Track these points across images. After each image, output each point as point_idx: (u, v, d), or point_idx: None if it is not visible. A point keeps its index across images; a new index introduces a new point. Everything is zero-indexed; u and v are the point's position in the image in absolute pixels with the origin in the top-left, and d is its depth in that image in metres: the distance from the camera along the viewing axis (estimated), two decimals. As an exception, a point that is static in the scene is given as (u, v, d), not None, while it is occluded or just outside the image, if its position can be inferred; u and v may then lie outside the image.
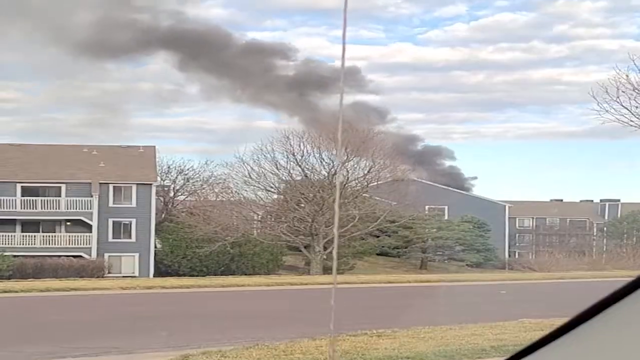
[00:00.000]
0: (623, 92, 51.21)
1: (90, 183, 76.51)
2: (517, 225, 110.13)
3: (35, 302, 41.34)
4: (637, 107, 51.57)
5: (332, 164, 75.90)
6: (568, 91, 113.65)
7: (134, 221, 77.00)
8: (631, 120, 51.73)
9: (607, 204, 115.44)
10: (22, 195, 75.89)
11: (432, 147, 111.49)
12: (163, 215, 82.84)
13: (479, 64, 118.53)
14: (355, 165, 77.53)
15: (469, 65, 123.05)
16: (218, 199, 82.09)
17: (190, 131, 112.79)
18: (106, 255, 74.80)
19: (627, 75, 51.23)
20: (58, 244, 74.77)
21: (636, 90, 51.31)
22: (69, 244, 74.89)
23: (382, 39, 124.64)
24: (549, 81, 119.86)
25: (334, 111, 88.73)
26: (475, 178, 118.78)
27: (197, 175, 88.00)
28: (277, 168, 77.72)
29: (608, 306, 2.74)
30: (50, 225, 76.51)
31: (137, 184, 77.75)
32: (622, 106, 51.49)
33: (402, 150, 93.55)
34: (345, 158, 75.45)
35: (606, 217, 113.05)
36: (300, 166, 77.12)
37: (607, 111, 51.78)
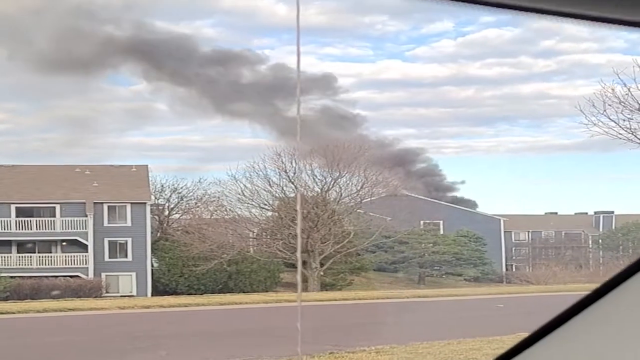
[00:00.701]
0: (610, 105, 51.48)
1: (84, 203, 76.47)
2: (512, 238, 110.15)
3: (32, 323, 41.25)
4: (624, 120, 51.80)
5: (324, 181, 75.99)
6: (558, 105, 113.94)
7: (129, 240, 76.96)
8: (619, 133, 51.97)
9: (601, 216, 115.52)
10: (17, 216, 75.82)
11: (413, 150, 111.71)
12: (158, 234, 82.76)
13: (468, 79, 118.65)
14: (348, 182, 77.63)
15: (458, 80, 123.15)
16: (213, 217, 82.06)
17: (167, 149, 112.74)
18: (103, 274, 74.69)
19: (612, 89, 51.49)
20: (54, 265, 74.63)
21: (622, 104, 51.56)
22: (66, 264, 74.75)
23: (370, 57, 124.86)
24: (539, 95, 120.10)
25: (305, 119, 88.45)
26: (463, 182, 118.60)
27: (191, 193, 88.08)
28: (269, 185, 77.88)
29: (588, 305, 2.81)
30: (46, 246, 76.42)
31: (131, 203, 77.75)
32: (610, 119, 51.75)
33: (394, 162, 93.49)
34: (337, 174, 75.66)
35: (601, 229, 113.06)
36: (292, 183, 77.20)
37: (595, 124, 52.06)
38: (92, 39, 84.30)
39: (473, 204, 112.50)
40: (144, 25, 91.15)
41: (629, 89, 51.15)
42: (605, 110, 51.50)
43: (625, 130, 51.88)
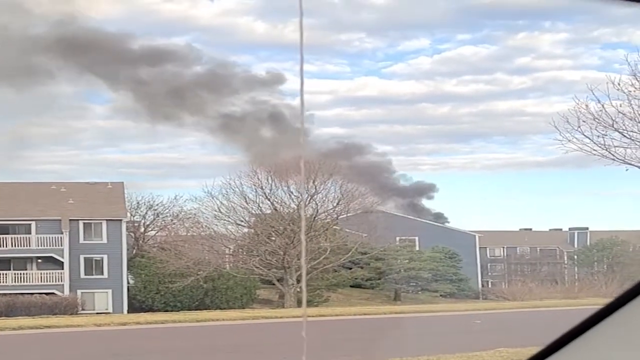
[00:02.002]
0: (584, 121, 51.79)
1: (60, 220, 76.18)
2: (488, 254, 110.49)
3: (7, 341, 41.01)
4: (598, 136, 52.08)
5: (301, 197, 76.01)
6: (533, 122, 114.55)
7: (105, 257, 76.70)
8: (593, 149, 52.26)
9: (575, 232, 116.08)
10: (-8, 233, 75.47)
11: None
12: (134, 251, 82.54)
13: (444, 96, 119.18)
14: (324, 198, 77.72)
15: (435, 97, 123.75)
16: (189, 234, 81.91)
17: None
18: (79, 292, 74.35)
19: (586, 105, 51.82)
20: (30, 282, 74.26)
21: (596, 120, 51.87)
22: (41, 281, 74.38)
23: (347, 73, 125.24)
24: (514, 112, 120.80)
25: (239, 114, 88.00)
26: (437, 189, 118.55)
27: (167, 210, 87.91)
28: (246, 202, 77.86)
29: (597, 322, 2.84)
30: (22, 263, 76.03)
31: (107, 220, 77.54)
32: (584, 135, 52.03)
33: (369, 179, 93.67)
34: (313, 190, 75.73)
35: (575, 245, 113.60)
36: (269, 200, 77.23)
37: (569, 141, 52.33)
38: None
39: (441, 216, 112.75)
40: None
41: (602, 106, 51.48)
42: (579, 127, 51.78)
43: (600, 147, 52.15)
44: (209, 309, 68.81)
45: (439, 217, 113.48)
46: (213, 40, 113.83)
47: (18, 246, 75.45)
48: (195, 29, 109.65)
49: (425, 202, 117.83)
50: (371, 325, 46.44)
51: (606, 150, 52.22)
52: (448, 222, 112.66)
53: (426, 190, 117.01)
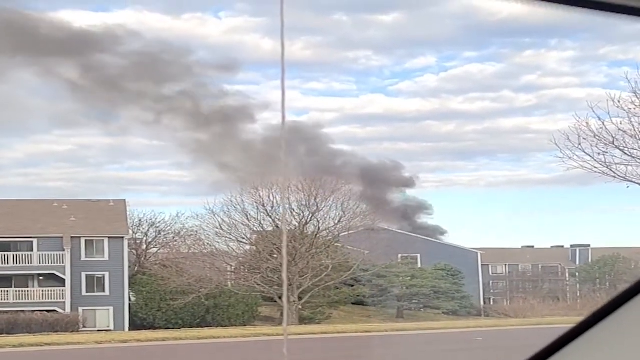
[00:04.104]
0: (584, 139, 51.83)
1: (61, 237, 76.18)
2: (490, 272, 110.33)
3: (8, 359, 40.98)
4: (599, 153, 52.13)
5: (302, 214, 76.06)
6: (537, 139, 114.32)
7: (107, 274, 76.66)
8: (594, 167, 52.30)
9: (577, 249, 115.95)
10: (-6, 251, 75.46)
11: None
12: (136, 268, 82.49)
13: (450, 114, 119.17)
14: (326, 215, 77.72)
15: (440, 115, 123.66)
16: (190, 251, 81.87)
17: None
18: (80, 309, 74.27)
19: (587, 123, 51.85)
20: (31, 299, 74.19)
21: (597, 137, 51.92)
22: (43, 298, 74.33)
23: (353, 91, 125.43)
24: (519, 130, 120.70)
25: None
26: (430, 211, 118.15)
27: (169, 227, 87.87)
28: (247, 219, 77.83)
29: (577, 336, 2.84)
30: (23, 280, 75.99)
31: (108, 237, 77.54)
32: (585, 153, 52.07)
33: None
34: (315, 208, 75.78)
35: (577, 263, 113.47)
36: (270, 217, 77.22)
37: (570, 158, 52.36)
38: None
39: (439, 231, 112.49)
40: None
41: (603, 123, 51.53)
42: (580, 144, 51.86)
43: (601, 164, 52.21)
44: (211, 327, 68.72)
45: (436, 230, 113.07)
46: (220, 58, 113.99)
47: (20, 263, 75.44)
48: (202, 46, 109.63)
49: (426, 219, 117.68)
50: (373, 342, 46.38)
51: (607, 167, 52.31)
52: (444, 233, 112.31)
53: (420, 209, 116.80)
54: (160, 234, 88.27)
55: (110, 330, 68.60)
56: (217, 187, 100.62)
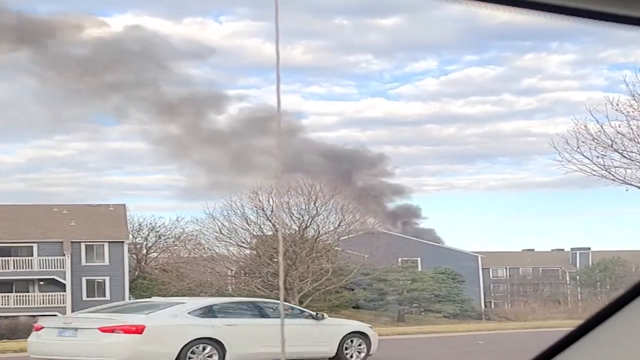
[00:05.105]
0: (583, 142, 51.83)
1: (61, 242, 76.25)
2: (490, 275, 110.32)
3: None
4: (597, 156, 52.12)
5: (302, 219, 76.02)
6: (538, 142, 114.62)
7: (107, 279, 76.73)
8: (593, 170, 52.30)
9: (577, 252, 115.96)
10: (-6, 256, 75.53)
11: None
12: (136, 273, 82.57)
13: (450, 117, 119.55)
14: (325, 219, 77.66)
15: (441, 118, 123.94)
16: (190, 256, 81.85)
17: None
18: (80, 314, 74.23)
19: (585, 126, 51.85)
20: (32, 304, 74.24)
21: (596, 141, 51.91)
22: (43, 303, 74.36)
23: (354, 95, 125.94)
24: (519, 133, 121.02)
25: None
26: (421, 213, 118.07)
27: (169, 232, 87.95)
28: (247, 223, 77.75)
29: (577, 339, 2.86)
30: (24, 285, 76.07)
31: (109, 242, 77.64)
32: (584, 156, 52.07)
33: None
34: (315, 212, 75.75)
35: (578, 266, 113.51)
36: (270, 221, 77.14)
37: (569, 161, 52.36)
38: None
39: (436, 237, 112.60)
40: None
41: (601, 126, 51.53)
42: (578, 147, 51.87)
43: (600, 167, 52.21)
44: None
45: (429, 232, 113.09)
46: (223, 65, 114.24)
47: (20, 268, 75.51)
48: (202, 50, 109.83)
49: (423, 223, 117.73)
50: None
51: (606, 170, 52.28)
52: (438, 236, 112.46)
53: (410, 214, 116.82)
54: (160, 238, 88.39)
55: (110, 335, 68.56)
56: (218, 190, 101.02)
